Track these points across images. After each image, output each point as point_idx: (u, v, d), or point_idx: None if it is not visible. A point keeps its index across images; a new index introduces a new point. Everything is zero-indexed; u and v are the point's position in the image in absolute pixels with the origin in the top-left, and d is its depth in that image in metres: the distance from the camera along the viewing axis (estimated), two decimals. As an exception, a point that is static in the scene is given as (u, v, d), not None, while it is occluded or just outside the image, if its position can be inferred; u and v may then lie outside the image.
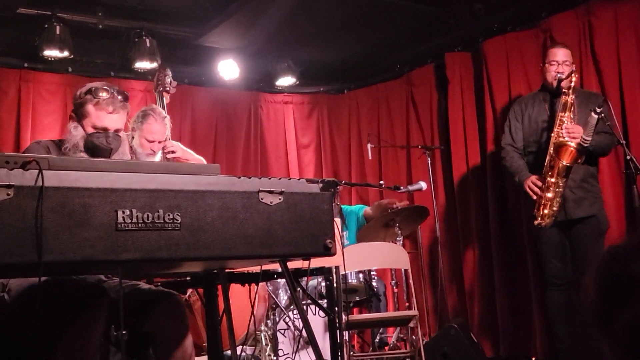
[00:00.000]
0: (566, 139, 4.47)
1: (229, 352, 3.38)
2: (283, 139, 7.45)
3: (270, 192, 2.12)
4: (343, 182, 4.13)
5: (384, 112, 7.19)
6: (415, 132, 6.82)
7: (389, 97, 7.16)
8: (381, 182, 6.43)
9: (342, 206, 6.37)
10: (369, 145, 6.39)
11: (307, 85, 7.51)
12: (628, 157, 4.11)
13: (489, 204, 5.95)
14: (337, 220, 3.24)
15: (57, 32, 5.54)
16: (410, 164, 6.84)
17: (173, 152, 3.94)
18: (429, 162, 6.07)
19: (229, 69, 6.43)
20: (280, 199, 2.13)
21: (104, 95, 2.83)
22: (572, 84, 4.57)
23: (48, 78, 6.05)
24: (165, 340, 2.63)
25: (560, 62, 4.72)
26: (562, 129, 4.52)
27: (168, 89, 4.02)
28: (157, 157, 4.07)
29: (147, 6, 5.81)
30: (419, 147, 6.29)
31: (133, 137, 4.02)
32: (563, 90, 4.60)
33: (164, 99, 4.23)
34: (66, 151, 2.83)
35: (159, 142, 4.03)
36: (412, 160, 6.78)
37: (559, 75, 4.66)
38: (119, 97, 2.87)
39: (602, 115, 4.23)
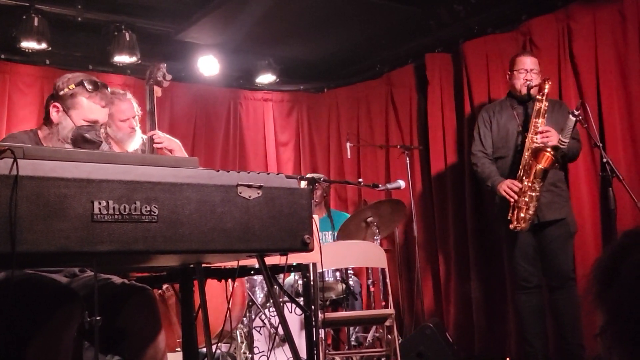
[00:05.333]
0: (541, 141, 4.51)
1: (204, 349, 3.36)
2: (262, 136, 7.43)
3: (249, 186, 2.11)
4: (322, 178, 4.12)
5: (364, 112, 7.20)
6: (395, 131, 6.84)
7: (368, 96, 7.17)
8: (360, 179, 6.43)
9: (332, 210, 6.37)
10: (348, 144, 6.40)
11: (287, 83, 7.50)
12: (604, 160, 4.14)
13: (466, 204, 5.98)
14: (316, 217, 3.24)
15: (35, 23, 5.46)
16: (388, 164, 6.85)
17: (160, 142, 3.86)
18: (408, 161, 6.08)
19: (208, 65, 6.40)
20: (259, 194, 2.12)
21: (97, 88, 2.83)
22: (547, 91, 4.61)
23: (25, 70, 5.98)
24: (138, 335, 2.61)
25: (529, 69, 4.79)
26: (536, 135, 4.56)
27: (160, 80, 3.94)
28: (138, 133, 4.03)
29: (127, 0, 5.76)
30: (398, 146, 6.31)
31: (107, 127, 3.96)
32: (537, 97, 4.64)
33: (154, 93, 4.12)
34: (52, 141, 2.80)
35: (133, 117, 4.00)
36: (391, 160, 6.80)
37: (528, 82, 4.74)
38: (107, 90, 2.87)
39: (580, 117, 4.27)
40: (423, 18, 6.21)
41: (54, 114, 2.84)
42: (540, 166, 4.49)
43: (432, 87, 6.38)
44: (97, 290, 2.03)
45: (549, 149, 4.46)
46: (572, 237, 4.78)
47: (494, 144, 4.96)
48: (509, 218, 4.63)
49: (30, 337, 2.26)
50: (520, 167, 4.61)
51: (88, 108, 2.82)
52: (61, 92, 2.84)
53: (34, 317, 2.28)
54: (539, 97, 4.63)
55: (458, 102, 6.22)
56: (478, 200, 5.91)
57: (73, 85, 2.83)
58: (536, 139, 4.56)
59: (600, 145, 4.27)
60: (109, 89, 2.94)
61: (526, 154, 4.58)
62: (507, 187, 4.65)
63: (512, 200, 4.61)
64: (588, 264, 4.81)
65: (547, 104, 4.61)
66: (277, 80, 7.10)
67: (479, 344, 5.80)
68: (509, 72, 4.95)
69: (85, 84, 2.83)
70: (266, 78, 7.02)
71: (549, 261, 4.70)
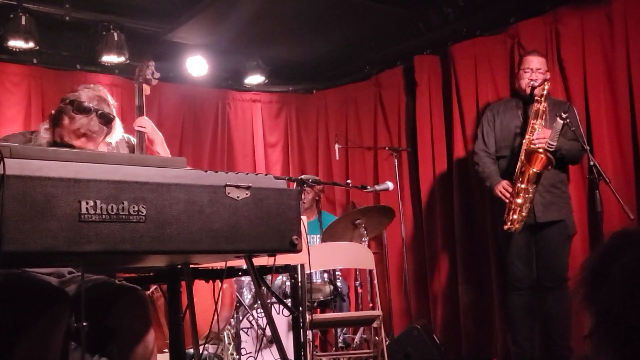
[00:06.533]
0: (537, 146, 4.52)
1: (191, 350, 3.35)
2: (250, 137, 7.41)
3: (237, 186, 2.10)
4: (310, 180, 4.12)
5: (352, 113, 7.20)
6: (383, 133, 6.84)
7: (357, 98, 7.17)
8: (348, 181, 6.43)
9: (323, 211, 6.37)
10: (336, 146, 6.41)
11: (276, 84, 7.48)
12: (592, 163, 4.16)
13: (454, 206, 5.99)
14: (304, 219, 3.24)
15: (23, 22, 5.42)
16: (377, 166, 6.86)
17: (143, 127, 3.82)
18: (396, 163, 6.09)
19: (197, 65, 6.37)
20: (247, 194, 2.12)
21: (82, 112, 2.71)
22: (545, 92, 4.62)
23: (12, 69, 5.93)
24: (127, 335, 2.60)
25: (534, 69, 4.78)
26: (533, 136, 4.57)
27: (149, 78, 3.91)
28: (118, 122, 3.99)
29: (115, -1, 5.74)
30: (386, 148, 6.32)
31: None
32: (536, 97, 4.65)
33: (143, 90, 4.08)
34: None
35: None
36: (379, 162, 6.80)
37: (532, 82, 4.72)
38: (99, 120, 2.74)
39: (568, 120, 4.29)
40: (412, 20, 6.22)
41: (43, 122, 2.80)
42: (533, 169, 4.51)
43: (421, 89, 6.40)
44: (87, 290, 2.03)
45: (541, 151, 4.47)
46: (570, 240, 4.80)
47: (497, 143, 4.97)
48: (503, 219, 4.66)
49: (19, 336, 2.25)
50: (517, 169, 4.63)
51: (66, 130, 2.73)
52: (60, 103, 2.77)
53: (24, 316, 2.27)
54: (537, 98, 4.64)
55: (446, 104, 6.23)
56: (466, 202, 5.93)
57: (67, 102, 2.74)
58: (533, 140, 4.57)
59: (588, 148, 4.30)
60: (104, 119, 2.77)
61: (522, 156, 4.60)
62: (502, 189, 4.69)
63: (506, 200, 4.64)
64: (575, 266, 4.84)
65: (545, 104, 4.62)
66: (266, 81, 7.08)
67: (466, 345, 5.82)
68: (516, 71, 4.98)
69: (74, 105, 2.72)
70: (255, 79, 6.99)
71: (545, 262, 4.72)
